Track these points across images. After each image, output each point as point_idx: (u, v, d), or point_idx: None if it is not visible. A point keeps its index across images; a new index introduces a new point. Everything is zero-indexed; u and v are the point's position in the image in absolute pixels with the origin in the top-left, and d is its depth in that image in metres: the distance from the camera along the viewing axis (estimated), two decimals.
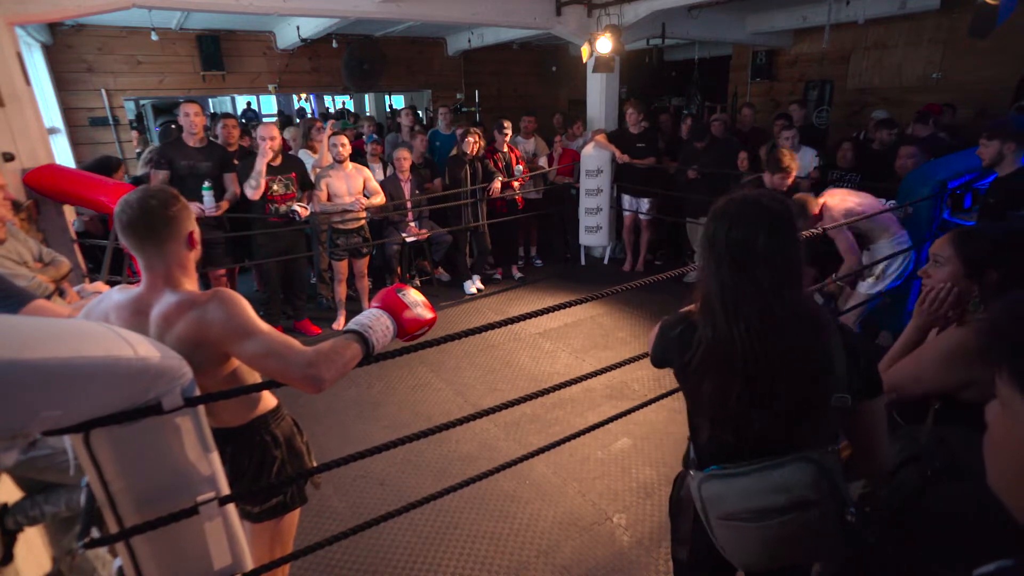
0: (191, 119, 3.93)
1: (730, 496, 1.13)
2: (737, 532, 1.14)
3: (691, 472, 1.22)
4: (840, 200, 3.30)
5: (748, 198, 1.15)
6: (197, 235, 1.40)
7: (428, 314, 1.40)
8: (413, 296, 1.40)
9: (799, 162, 4.71)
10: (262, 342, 1.24)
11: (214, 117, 6.94)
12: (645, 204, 5.51)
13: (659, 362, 1.31)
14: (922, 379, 1.40)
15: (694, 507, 1.22)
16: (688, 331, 1.20)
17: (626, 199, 5.54)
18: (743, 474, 1.12)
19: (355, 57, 7.01)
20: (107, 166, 4.11)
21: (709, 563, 1.25)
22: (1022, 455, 0.57)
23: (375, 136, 5.91)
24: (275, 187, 4.03)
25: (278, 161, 4.04)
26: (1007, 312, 0.61)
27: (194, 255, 1.40)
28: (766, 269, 1.09)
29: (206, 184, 3.87)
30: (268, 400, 1.57)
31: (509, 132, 5.27)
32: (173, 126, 6.98)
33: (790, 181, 3.56)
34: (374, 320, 1.31)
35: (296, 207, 4.04)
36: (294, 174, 4.12)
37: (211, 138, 4.57)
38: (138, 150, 6.07)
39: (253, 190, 3.89)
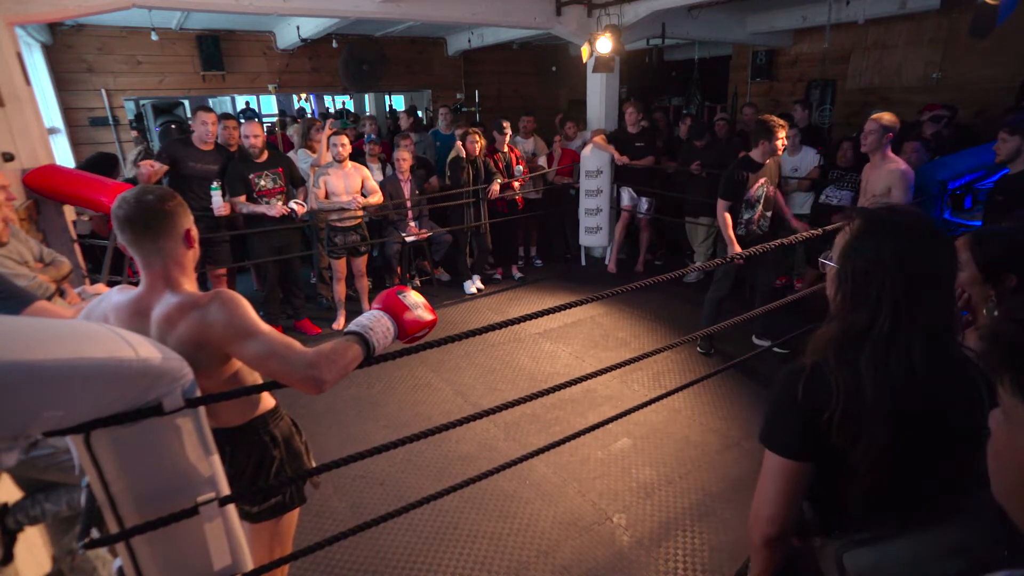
0: (209, 128, 3.97)
1: (890, 566, 0.94)
2: None
3: (818, 540, 1.04)
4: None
5: (912, 213, 1.00)
6: (195, 234, 1.39)
7: (428, 316, 1.40)
8: (414, 298, 1.40)
9: (786, 164, 4.73)
10: (263, 343, 1.25)
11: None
12: (644, 204, 5.51)
13: (793, 438, 1.01)
14: None
15: None
16: (818, 376, 0.99)
17: (625, 195, 5.51)
18: (910, 538, 0.94)
19: (354, 57, 7.01)
20: (105, 163, 4.13)
21: None
22: (1021, 462, 0.56)
23: (373, 136, 5.91)
24: (263, 183, 4.08)
25: (264, 157, 4.09)
26: (1008, 318, 0.60)
27: (192, 254, 1.40)
28: (944, 297, 0.97)
29: (214, 184, 3.88)
30: (267, 400, 1.57)
31: (509, 132, 5.28)
32: (173, 126, 6.99)
33: (783, 140, 3.51)
34: (375, 321, 1.32)
35: (293, 204, 4.04)
36: (280, 168, 4.15)
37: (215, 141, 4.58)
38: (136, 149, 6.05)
39: (217, 209, 3.91)
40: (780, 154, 3.59)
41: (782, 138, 3.48)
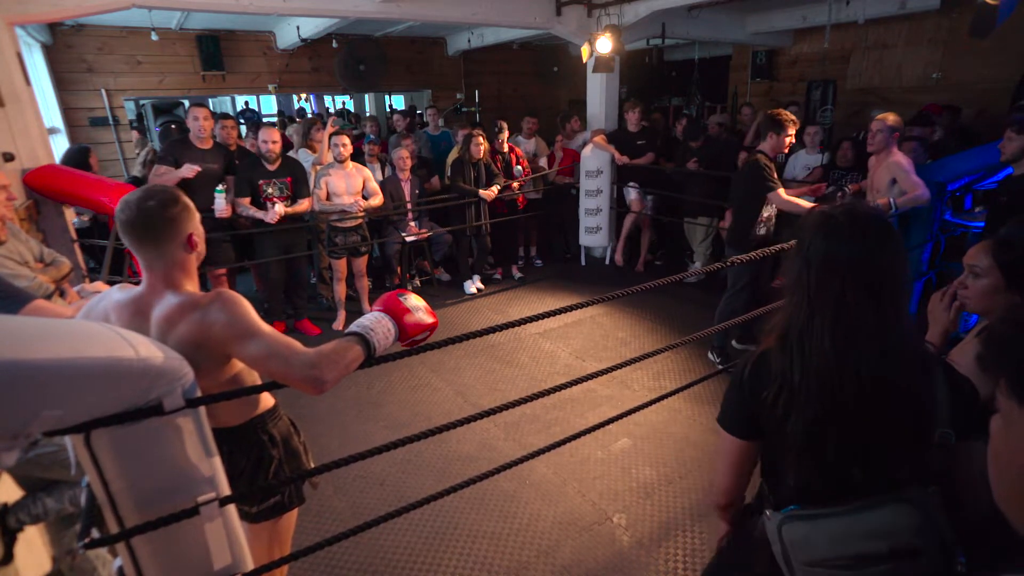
0: (200, 123, 3.93)
1: (819, 540, 1.01)
2: None
3: (767, 512, 1.11)
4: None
5: (862, 210, 1.05)
6: (199, 236, 1.39)
7: (429, 319, 1.40)
8: (414, 301, 1.40)
9: (799, 161, 4.73)
10: (264, 343, 1.25)
11: (212, 117, 6.95)
12: (648, 203, 5.51)
13: (740, 419, 1.13)
14: None
15: (771, 549, 1.11)
16: (762, 362, 1.09)
17: (632, 192, 5.48)
18: (832, 516, 1.01)
19: (351, 57, 7.01)
20: (79, 155, 4.16)
21: None
22: (1020, 466, 0.56)
23: (372, 136, 5.92)
24: (269, 190, 4.09)
25: (276, 165, 4.08)
26: (1005, 323, 0.60)
27: (195, 256, 1.39)
28: (892, 292, 1.00)
29: (219, 187, 3.87)
30: (266, 400, 1.57)
31: (506, 132, 5.27)
32: (173, 126, 6.98)
33: (791, 138, 3.40)
34: (375, 322, 1.32)
35: (279, 207, 4.02)
36: (289, 179, 4.14)
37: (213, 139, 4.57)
38: (137, 150, 6.05)
39: (219, 211, 3.90)
40: (784, 151, 3.48)
41: (791, 135, 3.38)
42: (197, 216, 1.40)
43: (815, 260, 1.03)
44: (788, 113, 3.38)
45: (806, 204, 3.37)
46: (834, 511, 1.01)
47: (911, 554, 0.95)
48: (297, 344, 1.26)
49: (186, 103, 7.33)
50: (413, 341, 1.40)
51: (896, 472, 1.01)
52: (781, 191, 3.38)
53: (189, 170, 3.82)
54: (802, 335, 1.03)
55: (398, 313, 1.35)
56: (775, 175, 3.40)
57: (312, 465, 1.64)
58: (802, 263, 1.05)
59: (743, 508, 1.26)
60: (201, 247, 1.40)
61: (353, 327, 1.31)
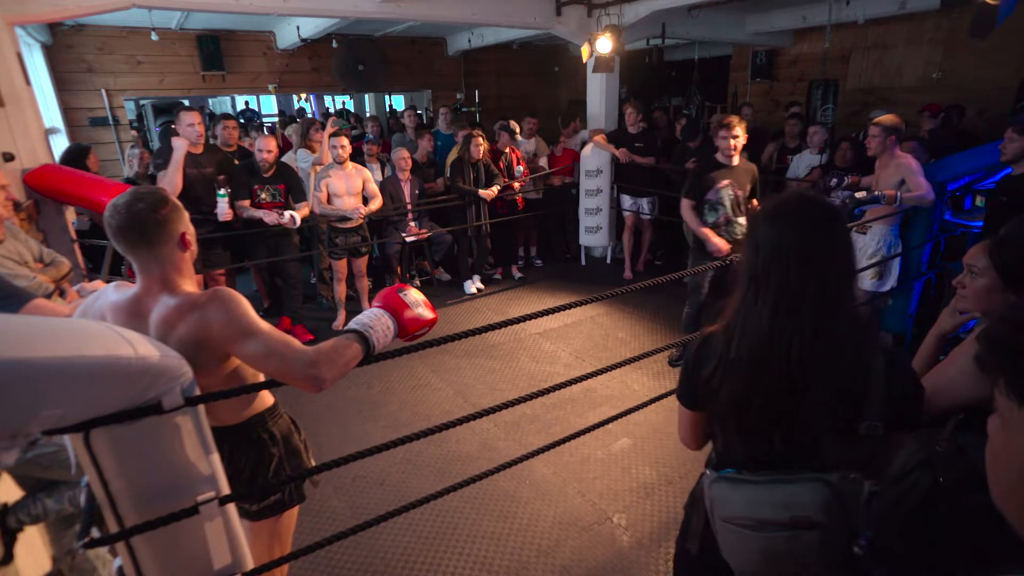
0: (195, 128, 3.89)
1: (735, 500, 1.11)
2: (736, 537, 1.13)
3: (707, 470, 1.22)
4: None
5: (806, 197, 1.10)
6: (191, 235, 1.38)
7: (429, 314, 1.40)
8: (414, 296, 1.39)
9: (803, 161, 4.73)
10: (262, 342, 1.24)
11: (212, 117, 6.96)
12: (646, 204, 5.51)
13: (686, 392, 1.23)
14: (948, 393, 1.35)
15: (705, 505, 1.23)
16: (706, 343, 1.17)
17: (626, 200, 5.52)
18: (753, 483, 1.10)
19: (351, 57, 7.01)
20: (77, 154, 4.15)
21: (717, 561, 1.25)
22: (1019, 467, 0.56)
23: (371, 136, 5.92)
24: (263, 195, 4.09)
25: (271, 172, 4.09)
26: (1004, 324, 0.60)
27: (189, 255, 1.39)
28: (832, 275, 1.04)
29: (221, 191, 3.87)
30: (265, 398, 1.57)
31: (519, 134, 5.28)
32: (173, 126, 6.97)
33: (735, 143, 3.31)
34: (375, 320, 1.31)
35: (288, 214, 4.02)
36: (283, 185, 4.14)
37: (210, 139, 4.57)
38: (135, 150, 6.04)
39: (223, 215, 3.91)
40: (731, 155, 3.36)
41: (726, 137, 3.31)
42: (187, 215, 1.39)
43: (764, 245, 1.07)
44: (730, 116, 3.39)
45: (700, 228, 3.47)
46: (757, 479, 1.10)
47: (808, 526, 1.03)
48: (296, 342, 1.26)
49: (186, 103, 7.34)
50: (413, 337, 1.40)
51: (823, 453, 1.07)
52: (684, 202, 3.51)
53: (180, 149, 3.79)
54: (745, 316, 1.09)
55: (398, 309, 1.35)
56: (694, 184, 3.47)
57: (312, 463, 1.64)
58: (752, 249, 1.10)
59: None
60: (193, 246, 1.40)
61: (352, 324, 1.31)
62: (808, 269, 1.03)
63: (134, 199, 1.29)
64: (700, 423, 1.26)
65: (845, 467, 1.05)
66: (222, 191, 3.87)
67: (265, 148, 4.02)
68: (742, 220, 3.47)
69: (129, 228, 1.27)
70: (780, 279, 1.05)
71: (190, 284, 1.37)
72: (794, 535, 1.04)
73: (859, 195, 3.25)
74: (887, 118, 3.33)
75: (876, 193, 3.22)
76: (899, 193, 3.15)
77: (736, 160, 3.41)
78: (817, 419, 1.06)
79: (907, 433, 1.12)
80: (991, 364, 0.59)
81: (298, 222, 4.05)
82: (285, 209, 4.10)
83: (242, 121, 7.76)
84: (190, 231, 1.38)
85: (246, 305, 1.30)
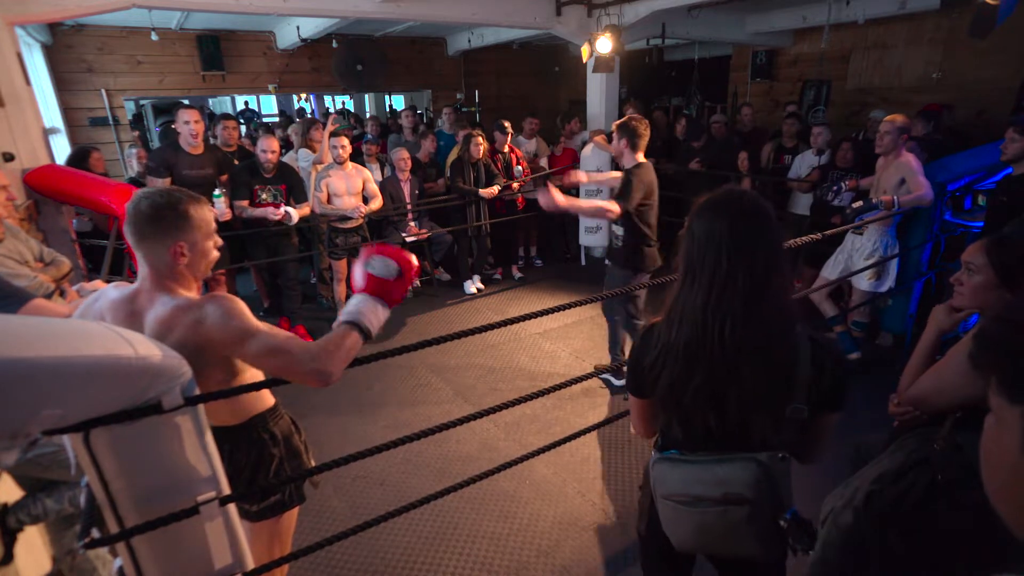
0: (192, 127, 3.87)
1: (673, 479, 1.20)
2: (673, 512, 1.21)
3: (653, 452, 1.29)
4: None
5: (736, 192, 1.17)
6: (191, 249, 1.33)
7: (401, 266, 1.34)
8: (377, 262, 1.34)
9: (804, 161, 4.73)
10: (264, 342, 1.25)
11: (212, 118, 6.96)
12: None
13: (634, 381, 1.30)
14: (945, 391, 1.36)
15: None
16: (648, 332, 1.25)
17: None
18: (690, 463, 1.19)
19: (350, 57, 7.01)
20: (80, 157, 4.18)
21: (661, 538, 1.32)
22: (1011, 464, 0.56)
23: (369, 136, 5.92)
24: (264, 196, 4.09)
25: (272, 173, 4.08)
26: (997, 321, 0.60)
27: (183, 268, 1.33)
28: (760, 262, 1.09)
29: (217, 192, 3.86)
30: (266, 398, 1.57)
31: (511, 132, 5.27)
32: (173, 126, 6.97)
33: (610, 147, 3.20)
34: (362, 305, 1.32)
35: (288, 209, 4.02)
36: (283, 186, 4.14)
37: (210, 139, 4.57)
38: (133, 149, 6.01)
39: (220, 215, 3.88)
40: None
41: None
42: (197, 231, 1.34)
43: (698, 235, 1.14)
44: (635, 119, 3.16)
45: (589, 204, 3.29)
46: (695, 459, 1.18)
47: (737, 502, 1.12)
48: (298, 339, 1.27)
49: (186, 103, 7.33)
50: (405, 292, 1.39)
51: (753, 432, 1.15)
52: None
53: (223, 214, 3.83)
54: (683, 303, 1.16)
55: (375, 287, 1.33)
56: (628, 187, 3.09)
57: (313, 464, 1.64)
58: (688, 240, 1.17)
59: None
60: (190, 262, 1.34)
61: (343, 317, 1.31)
62: (737, 257, 1.09)
63: (148, 195, 1.31)
64: (648, 411, 1.31)
65: (775, 447, 1.13)
66: (217, 191, 3.87)
67: (269, 148, 4.01)
68: (619, 230, 3.30)
69: (131, 221, 1.30)
70: (712, 267, 1.11)
71: (186, 289, 1.36)
72: (725, 510, 1.13)
73: (856, 205, 3.26)
74: (898, 117, 3.33)
75: (873, 201, 3.23)
76: (896, 197, 3.15)
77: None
78: (749, 401, 1.13)
79: (833, 414, 1.17)
80: (984, 362, 0.59)
81: (295, 218, 4.05)
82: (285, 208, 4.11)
83: (242, 121, 7.77)
84: (191, 245, 1.33)
85: (244, 308, 1.30)
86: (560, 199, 2.86)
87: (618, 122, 3.22)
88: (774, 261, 1.11)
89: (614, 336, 3.59)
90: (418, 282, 5.36)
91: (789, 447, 1.15)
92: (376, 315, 1.32)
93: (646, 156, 3.25)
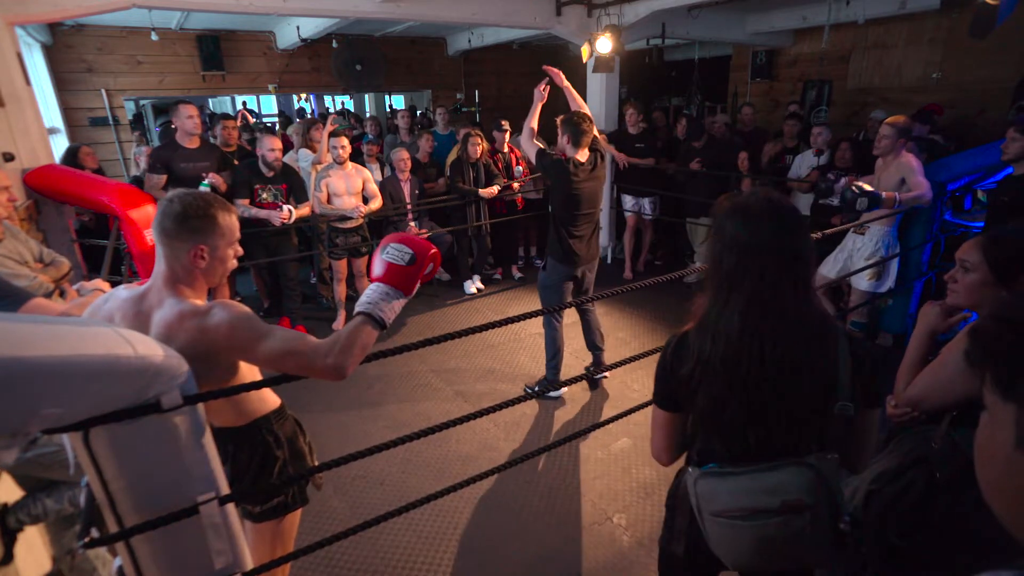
0: (195, 121, 3.91)
1: (722, 494, 1.13)
2: (728, 530, 1.13)
3: (689, 468, 1.22)
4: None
5: (762, 195, 1.13)
6: (211, 255, 1.34)
7: (414, 253, 1.32)
8: (393, 249, 1.33)
9: (804, 161, 4.73)
10: (276, 342, 1.25)
11: (212, 118, 6.96)
12: (647, 204, 5.51)
13: (664, 393, 1.24)
14: (942, 390, 1.36)
15: (691, 503, 1.22)
16: (682, 343, 1.18)
17: (628, 200, 5.52)
18: (738, 474, 1.12)
19: (349, 57, 7.00)
20: (71, 153, 4.24)
21: (702, 559, 1.26)
22: (1004, 461, 0.56)
23: (370, 136, 5.92)
24: (264, 195, 4.09)
25: (273, 173, 4.09)
26: (992, 319, 0.60)
27: (199, 272, 1.35)
28: (792, 269, 1.07)
29: (204, 181, 3.87)
30: (271, 400, 1.57)
31: (508, 131, 5.27)
32: (172, 124, 6.96)
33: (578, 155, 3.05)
34: (376, 294, 1.31)
35: (287, 208, 4.03)
36: (284, 185, 4.15)
37: (210, 138, 4.57)
38: (137, 147, 6.02)
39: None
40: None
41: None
42: (220, 238, 1.35)
43: (735, 244, 1.09)
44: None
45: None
46: (741, 470, 1.12)
47: (798, 509, 1.06)
48: (309, 337, 1.27)
49: (186, 101, 7.31)
50: (424, 278, 1.37)
51: (799, 438, 1.11)
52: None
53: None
54: (718, 315, 1.12)
55: (389, 276, 1.32)
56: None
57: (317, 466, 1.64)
58: (722, 247, 1.12)
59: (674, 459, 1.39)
60: (208, 266, 1.35)
61: (358, 307, 1.31)
62: (781, 270, 1.06)
63: (184, 196, 1.33)
64: (676, 425, 1.25)
65: (820, 448, 1.10)
66: (205, 181, 3.87)
67: (274, 147, 4.01)
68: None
69: (160, 220, 1.32)
70: (753, 281, 1.07)
71: (195, 294, 1.36)
72: (786, 520, 1.07)
73: (864, 186, 3.08)
74: (899, 119, 3.33)
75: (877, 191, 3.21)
76: (897, 195, 3.15)
77: None
78: (795, 411, 1.10)
79: (875, 409, 1.14)
80: (979, 359, 0.59)
81: (293, 216, 4.05)
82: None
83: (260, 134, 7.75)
84: (212, 249, 1.34)
85: (250, 313, 1.30)
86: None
87: (561, 117, 3.18)
88: (809, 267, 1.10)
89: (553, 343, 3.39)
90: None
91: (838, 450, 1.11)
92: (390, 304, 1.31)
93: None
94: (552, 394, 3.40)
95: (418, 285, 1.35)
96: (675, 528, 1.35)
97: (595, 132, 3.13)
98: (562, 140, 3.15)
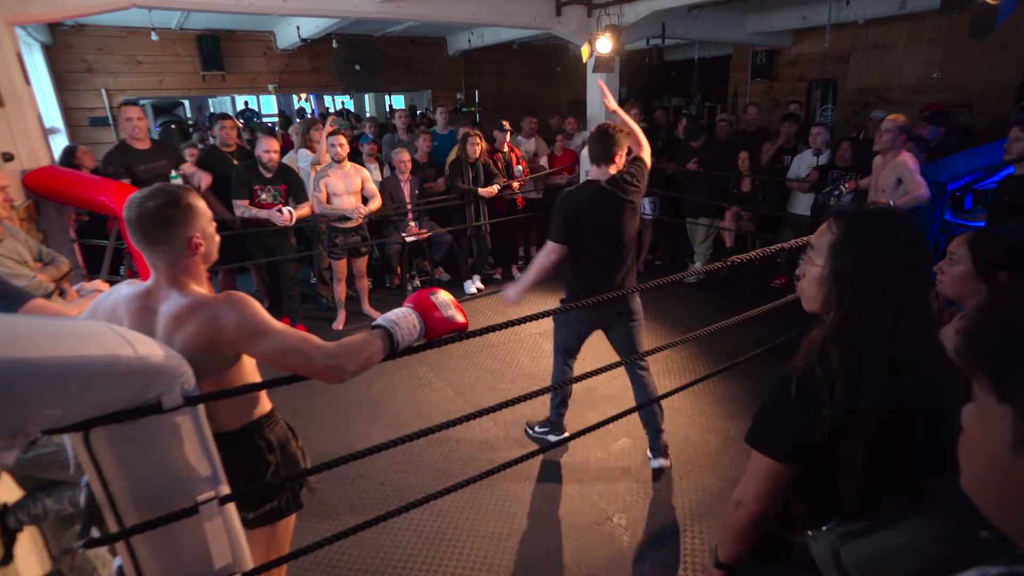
0: (135, 123, 3.87)
1: (888, 554, 0.94)
2: None
3: (811, 532, 1.05)
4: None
5: (891, 213, 1.02)
6: (203, 238, 1.37)
7: (460, 317, 1.39)
8: (443, 298, 1.39)
9: (803, 161, 4.73)
10: (279, 339, 1.25)
11: (212, 118, 6.96)
12: (647, 204, 5.51)
13: (793, 444, 1.02)
14: None
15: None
16: (808, 382, 0.99)
17: None
18: (893, 527, 0.95)
19: (349, 57, 7.01)
20: (68, 153, 4.23)
21: None
22: (994, 458, 0.56)
23: (369, 136, 5.92)
24: (263, 196, 4.09)
25: (272, 173, 4.09)
26: (982, 313, 0.59)
27: (199, 258, 1.38)
28: (928, 299, 0.99)
29: (174, 174, 3.89)
30: (263, 404, 1.56)
31: (509, 131, 5.28)
32: (173, 126, 6.98)
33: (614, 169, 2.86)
34: (402, 318, 1.32)
35: (286, 210, 4.03)
36: (283, 186, 4.15)
37: (210, 139, 4.57)
38: None
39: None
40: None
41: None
42: (203, 218, 1.38)
43: (872, 263, 0.96)
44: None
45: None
46: (893, 522, 0.95)
47: (968, 552, 0.88)
48: (313, 337, 1.28)
49: (186, 103, 7.32)
50: (432, 334, 1.39)
51: (930, 465, 0.96)
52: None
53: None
54: (862, 345, 0.96)
55: (427, 310, 1.35)
56: None
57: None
58: (852, 268, 0.97)
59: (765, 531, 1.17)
60: (206, 249, 1.38)
61: (380, 320, 1.32)
62: (918, 284, 0.97)
63: (148, 195, 1.31)
64: (790, 478, 1.05)
65: (937, 474, 0.94)
66: (174, 173, 3.88)
67: (271, 148, 4.01)
68: None
69: (137, 223, 1.30)
70: (896, 299, 0.95)
71: (199, 285, 1.37)
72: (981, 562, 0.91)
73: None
74: (900, 117, 3.34)
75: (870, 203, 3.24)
76: (891, 200, 3.17)
77: None
78: (933, 438, 0.95)
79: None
80: (969, 356, 0.58)
81: (292, 218, 4.05)
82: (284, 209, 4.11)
83: (242, 121, 7.77)
84: (203, 233, 1.37)
85: (259, 307, 1.30)
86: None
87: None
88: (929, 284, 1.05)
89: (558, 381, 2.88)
90: (418, 282, 5.36)
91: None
92: (411, 332, 1.32)
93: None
94: (552, 438, 2.95)
95: (429, 339, 1.39)
96: None
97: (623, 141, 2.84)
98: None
